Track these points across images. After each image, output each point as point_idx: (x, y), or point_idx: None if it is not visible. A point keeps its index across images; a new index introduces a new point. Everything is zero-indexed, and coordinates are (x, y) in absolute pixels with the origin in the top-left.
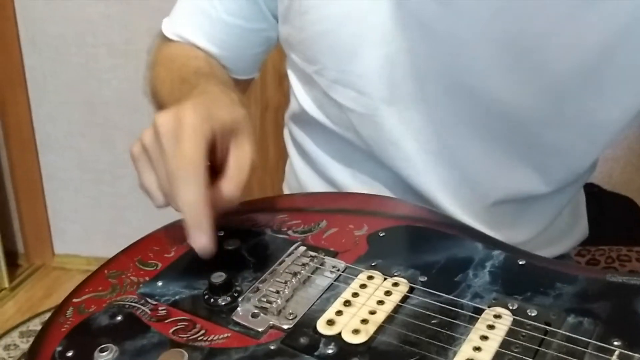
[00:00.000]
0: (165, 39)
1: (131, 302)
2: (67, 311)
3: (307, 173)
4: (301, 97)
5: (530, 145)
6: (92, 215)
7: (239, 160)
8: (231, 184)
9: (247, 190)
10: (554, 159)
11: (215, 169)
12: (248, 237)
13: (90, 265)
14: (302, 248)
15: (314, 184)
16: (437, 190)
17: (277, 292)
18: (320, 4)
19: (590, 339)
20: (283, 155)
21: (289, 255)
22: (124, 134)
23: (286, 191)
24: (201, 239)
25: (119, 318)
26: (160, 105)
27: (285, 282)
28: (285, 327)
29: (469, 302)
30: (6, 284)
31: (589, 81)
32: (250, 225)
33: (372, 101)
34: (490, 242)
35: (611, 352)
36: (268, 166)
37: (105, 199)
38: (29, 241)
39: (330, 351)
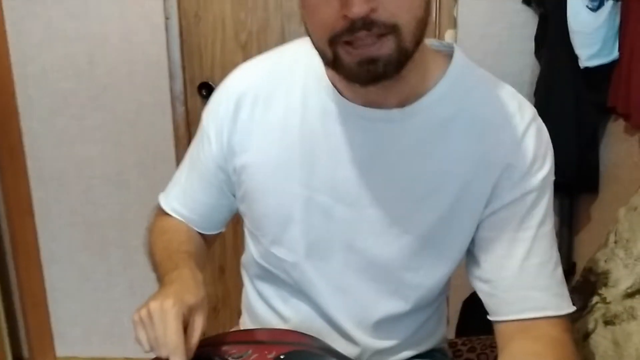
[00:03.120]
0: (161, 210)
1: None
2: None
3: (255, 299)
4: (252, 249)
5: (396, 282)
6: (90, 320)
7: (191, 331)
8: (188, 345)
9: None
10: (412, 291)
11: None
12: None
13: None
14: None
15: (260, 308)
16: (339, 313)
17: None
18: (261, 197)
19: None
20: None
21: None
22: (117, 248)
23: (243, 310)
24: None
25: None
26: (153, 265)
27: None
28: None
29: None
30: None
31: (430, 244)
32: (207, 353)
33: (297, 256)
34: (343, 358)
35: None
36: None
37: (102, 305)
38: (33, 346)
39: None
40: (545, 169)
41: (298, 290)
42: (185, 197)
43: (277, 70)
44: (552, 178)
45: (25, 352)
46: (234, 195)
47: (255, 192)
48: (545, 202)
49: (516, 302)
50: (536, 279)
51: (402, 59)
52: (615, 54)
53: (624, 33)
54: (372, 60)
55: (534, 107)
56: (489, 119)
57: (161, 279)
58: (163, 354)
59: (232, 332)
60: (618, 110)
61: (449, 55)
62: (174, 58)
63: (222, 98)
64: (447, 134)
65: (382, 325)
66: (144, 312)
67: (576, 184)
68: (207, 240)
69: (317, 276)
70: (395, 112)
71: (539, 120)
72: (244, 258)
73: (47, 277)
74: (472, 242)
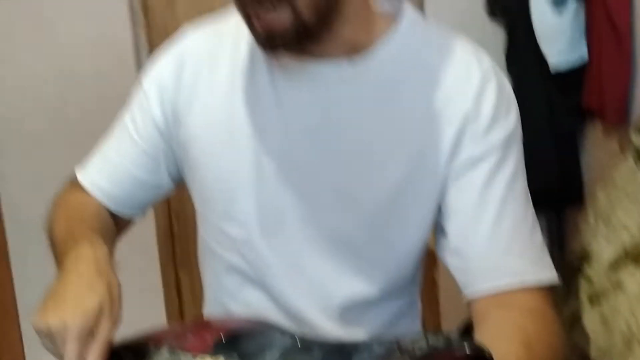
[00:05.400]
0: (73, 184)
1: None
2: None
3: (208, 299)
4: (202, 231)
5: (359, 259)
6: None
7: (95, 341)
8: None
9: None
10: (376, 269)
11: None
12: (140, 352)
13: None
14: (166, 351)
15: (212, 306)
16: (298, 299)
17: None
18: (207, 164)
19: None
20: None
21: (157, 355)
22: None
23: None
24: None
25: None
26: (51, 241)
27: None
28: None
29: None
30: None
31: (392, 213)
32: (141, 344)
33: (250, 232)
34: (287, 334)
35: None
36: None
37: None
38: None
39: None
40: (509, 124)
41: (250, 282)
42: (108, 166)
43: (223, 30)
44: (519, 134)
45: None
46: (171, 177)
47: (201, 157)
48: (514, 160)
49: (490, 271)
50: (510, 243)
51: (301, 31)
52: (583, 51)
53: (590, 32)
54: (270, 32)
55: (492, 61)
56: (444, 73)
57: (60, 261)
58: None
59: (174, 323)
60: (593, 109)
61: (398, 12)
62: None
63: (165, 59)
64: (402, 91)
65: (348, 313)
66: (43, 327)
67: (560, 196)
68: (118, 224)
69: (274, 256)
70: (346, 68)
71: (500, 74)
72: (199, 252)
73: (24, 331)
74: (439, 212)
